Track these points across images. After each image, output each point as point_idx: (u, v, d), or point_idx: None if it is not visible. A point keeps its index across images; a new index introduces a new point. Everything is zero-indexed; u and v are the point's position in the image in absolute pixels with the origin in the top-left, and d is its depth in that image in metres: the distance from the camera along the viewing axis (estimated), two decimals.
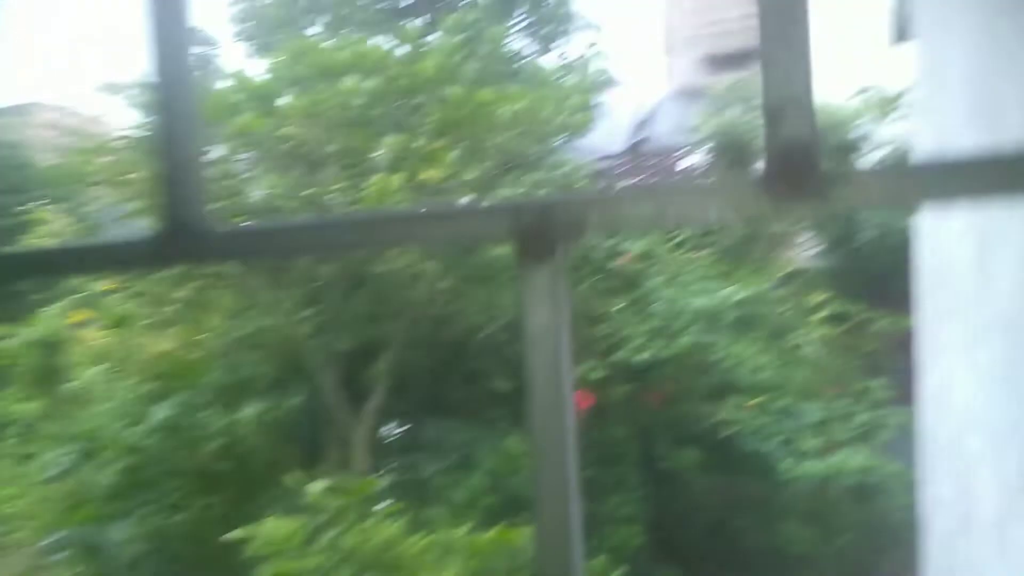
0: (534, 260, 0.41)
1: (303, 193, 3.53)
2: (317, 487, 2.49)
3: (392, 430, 4.62)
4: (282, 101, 3.55)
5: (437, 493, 3.70)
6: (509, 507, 3.64)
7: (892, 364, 5.94)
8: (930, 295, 2.59)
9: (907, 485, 3.59)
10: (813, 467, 3.63)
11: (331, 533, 2.43)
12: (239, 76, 3.71)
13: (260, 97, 3.67)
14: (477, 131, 3.80)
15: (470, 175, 3.53)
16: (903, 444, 3.88)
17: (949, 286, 2.35)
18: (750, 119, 7.80)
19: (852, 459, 3.69)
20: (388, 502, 2.60)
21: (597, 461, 4.27)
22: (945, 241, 2.32)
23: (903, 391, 4.39)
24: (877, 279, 6.83)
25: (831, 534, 4.91)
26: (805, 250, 8.33)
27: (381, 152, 3.51)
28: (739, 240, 7.85)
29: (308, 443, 4.26)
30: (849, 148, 7.27)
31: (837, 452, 3.74)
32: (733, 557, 5.44)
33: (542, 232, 0.41)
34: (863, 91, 7.36)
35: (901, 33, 2.90)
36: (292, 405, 3.56)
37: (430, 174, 3.44)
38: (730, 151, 7.95)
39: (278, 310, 3.57)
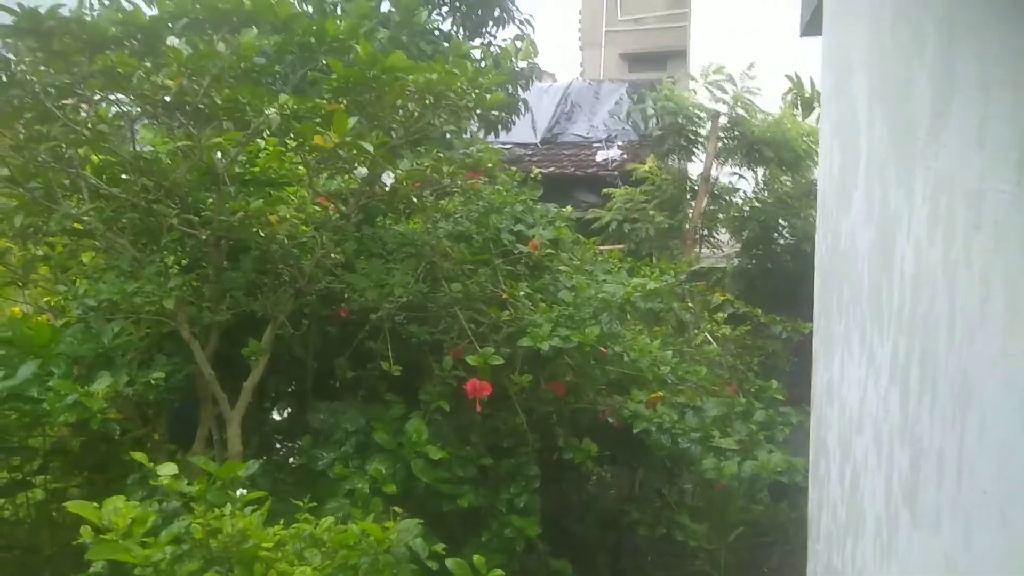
0: None
1: (180, 145, 3.20)
2: (168, 469, 2.22)
3: (274, 411, 4.35)
4: (172, 43, 3.20)
5: (334, 484, 3.47)
6: (402, 494, 3.46)
7: (791, 367, 6.12)
8: (827, 291, 2.55)
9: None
10: (732, 466, 3.60)
11: (181, 522, 2.17)
12: (120, 7, 3.33)
13: (143, 36, 3.31)
14: (381, 97, 3.57)
15: (368, 143, 3.29)
16: (799, 443, 3.92)
17: (847, 281, 2.30)
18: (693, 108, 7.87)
19: (771, 457, 3.69)
20: (246, 490, 2.35)
21: (495, 450, 4.15)
22: (845, 234, 2.27)
23: (801, 393, 4.46)
24: (788, 283, 7.02)
25: (725, 528, 4.98)
26: (721, 250, 8.48)
27: (273, 111, 3.22)
28: (651, 235, 7.92)
29: (178, 422, 3.94)
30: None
31: (755, 450, 3.73)
32: (627, 549, 5.47)
33: None
34: (788, 92, 7.52)
35: (811, 25, 2.87)
36: (157, 379, 3.24)
37: (324, 138, 3.18)
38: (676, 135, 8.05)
39: (147, 275, 3.24)
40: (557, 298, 4.26)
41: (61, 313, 3.84)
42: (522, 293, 4.19)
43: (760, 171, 7.97)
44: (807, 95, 7.44)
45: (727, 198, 8.16)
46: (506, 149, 9.74)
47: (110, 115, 3.44)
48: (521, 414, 4.08)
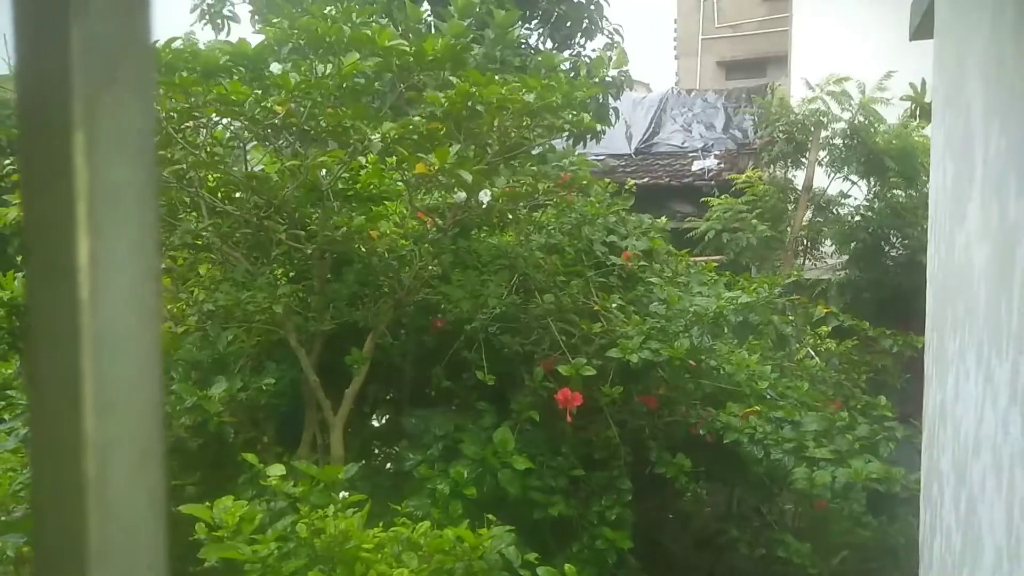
0: None
1: (288, 164, 3.39)
2: (276, 471, 2.35)
3: (373, 417, 4.50)
4: (275, 69, 3.40)
5: (418, 484, 3.57)
6: (493, 502, 3.51)
7: (902, 384, 5.80)
8: (940, 306, 2.42)
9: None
10: (826, 475, 3.47)
11: (286, 520, 2.29)
12: (227, 43, 3.57)
13: (250, 64, 3.53)
14: (478, 117, 3.66)
15: (467, 168, 3.38)
16: (907, 458, 3.72)
17: (961, 297, 2.19)
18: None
19: (867, 466, 3.54)
20: (347, 493, 2.46)
21: (586, 462, 4.14)
22: (959, 247, 2.16)
23: (912, 411, 4.23)
24: (899, 297, 6.67)
25: (829, 551, 4.76)
26: (824, 262, 8.16)
27: (376, 137, 3.36)
28: (752, 246, 7.70)
29: (285, 425, 4.14)
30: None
31: (850, 460, 3.59)
32: (723, 569, 5.31)
33: None
34: (908, 99, 7.17)
35: (921, 29, 2.74)
36: (268, 384, 3.42)
37: (422, 167, 3.29)
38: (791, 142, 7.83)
39: (258, 285, 3.44)
40: (649, 311, 4.23)
41: (181, 321, 4.12)
42: (614, 305, 4.17)
43: (873, 180, 7.61)
44: (927, 103, 7.07)
45: (835, 210, 7.83)
46: (599, 160, 9.72)
47: (224, 137, 3.68)
48: (613, 426, 4.06)
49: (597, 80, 5.87)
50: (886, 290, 7.22)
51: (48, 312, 0.27)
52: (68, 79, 0.25)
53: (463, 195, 3.67)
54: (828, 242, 7.98)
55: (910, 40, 3.01)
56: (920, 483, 3.01)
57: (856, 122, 7.38)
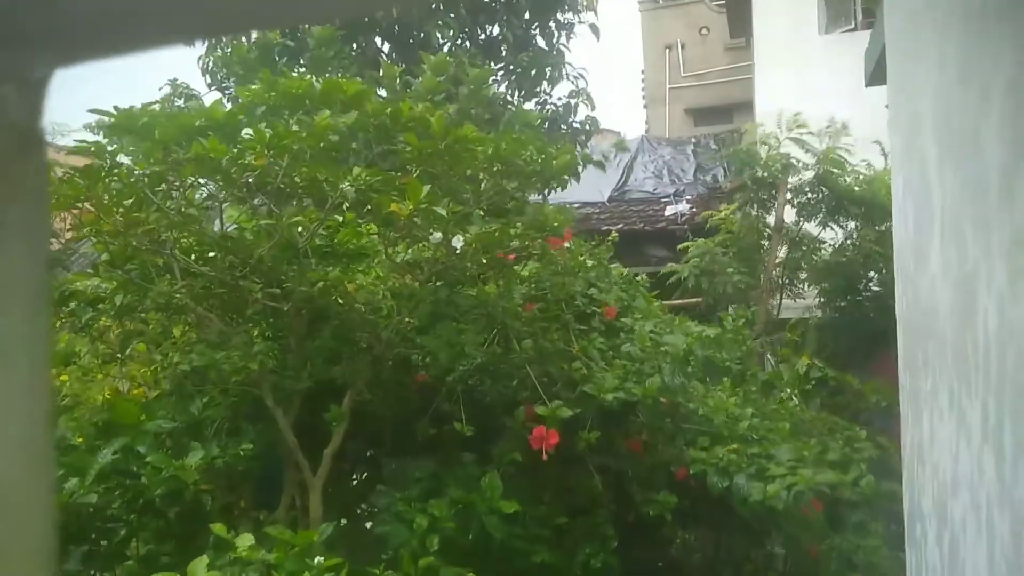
0: None
1: (263, 223, 3.39)
2: (245, 541, 2.29)
3: (352, 476, 4.42)
4: (249, 132, 3.44)
5: (395, 519, 3.49)
6: (475, 552, 3.44)
7: (877, 424, 5.83)
8: (911, 347, 2.46)
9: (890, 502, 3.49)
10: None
11: None
12: (202, 105, 3.61)
13: (225, 125, 3.56)
14: (453, 167, 3.71)
15: (441, 210, 3.41)
16: (890, 508, 3.72)
17: (930, 337, 2.22)
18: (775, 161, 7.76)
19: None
20: (323, 557, 2.40)
21: (570, 511, 4.09)
22: (924, 289, 2.20)
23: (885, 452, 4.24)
24: (876, 335, 6.74)
25: None
26: (803, 298, 8.24)
27: (347, 185, 3.39)
28: (728, 291, 7.76)
29: (263, 488, 4.05)
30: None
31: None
32: None
33: None
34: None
35: (875, 76, 2.85)
36: (246, 449, 3.36)
37: (399, 207, 3.32)
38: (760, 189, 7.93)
39: (233, 344, 3.41)
40: (625, 354, 4.24)
41: (155, 385, 4.06)
42: (596, 351, 4.18)
43: (844, 224, 7.77)
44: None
45: (807, 245, 7.95)
46: (573, 207, 9.83)
47: (198, 198, 3.68)
48: (596, 474, 4.03)
49: (565, 128, 6.00)
50: (862, 329, 7.30)
51: None
52: None
53: (439, 235, 3.68)
54: (804, 280, 8.08)
55: (866, 86, 3.12)
56: (904, 523, 3.01)
57: (821, 171, 7.55)
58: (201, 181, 3.54)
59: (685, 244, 8.38)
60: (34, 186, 0.26)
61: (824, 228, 7.87)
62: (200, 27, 0.30)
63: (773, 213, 8.02)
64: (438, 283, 4.08)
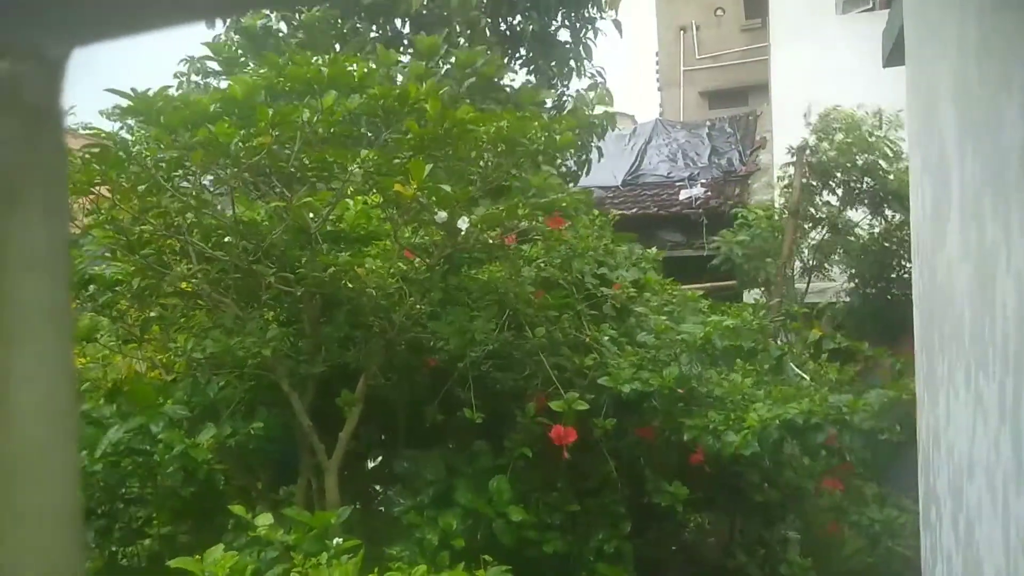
0: None
1: (274, 205, 3.40)
2: (264, 520, 2.32)
3: (368, 459, 4.45)
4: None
5: (406, 531, 3.52)
6: (487, 549, 3.46)
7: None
8: (927, 327, 2.43)
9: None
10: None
11: (278, 569, 2.25)
12: (217, 90, 3.61)
13: (239, 110, 3.57)
14: (455, 147, 3.69)
15: (446, 187, 3.40)
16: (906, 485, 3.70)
17: (947, 318, 2.20)
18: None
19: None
20: (341, 539, 2.42)
21: (583, 496, 4.11)
22: (942, 269, 2.17)
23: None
24: (905, 321, 6.64)
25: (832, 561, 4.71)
26: (833, 280, 8.18)
27: (355, 167, 3.39)
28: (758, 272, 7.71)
29: (280, 471, 4.09)
30: None
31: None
32: None
33: None
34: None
35: (893, 56, 2.80)
36: (256, 428, 3.39)
37: (401, 187, 3.31)
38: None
39: (248, 330, 3.43)
40: (638, 341, 4.23)
41: (171, 368, 4.10)
42: (607, 338, 4.17)
43: (889, 213, 7.67)
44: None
45: (843, 229, 7.85)
46: (587, 192, 9.79)
47: (208, 182, 3.70)
48: (609, 460, 4.03)
49: (582, 118, 5.95)
50: (889, 313, 7.24)
51: None
52: None
53: (444, 215, 3.67)
54: (836, 262, 8.00)
55: (884, 67, 3.07)
56: (919, 506, 3.00)
57: (868, 161, 7.41)
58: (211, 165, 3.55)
59: (723, 233, 8.21)
60: (53, 166, 0.27)
61: (871, 216, 7.76)
62: (216, 4, 0.30)
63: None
64: (446, 267, 4.08)
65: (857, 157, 7.43)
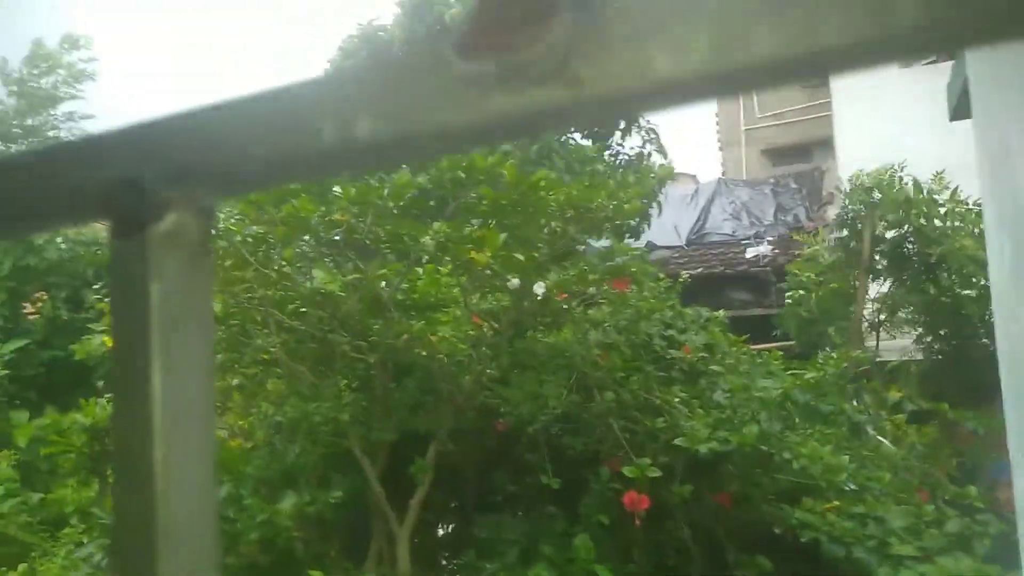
0: (123, 236, 0.33)
1: (350, 278, 3.55)
2: None
3: (438, 526, 4.44)
4: (337, 191, 3.64)
5: None
6: None
7: (996, 467, 5.44)
8: (1017, 385, 2.33)
9: None
10: (912, 575, 3.26)
11: None
12: None
13: (315, 187, 3.77)
14: (527, 218, 3.79)
15: (520, 256, 3.49)
16: (1006, 555, 3.47)
17: None
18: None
19: (958, 564, 3.31)
20: None
21: (659, 568, 3.98)
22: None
23: (1011, 496, 3.94)
24: (980, 378, 6.32)
25: None
26: (899, 339, 7.88)
27: (428, 239, 3.51)
28: (810, 328, 7.50)
29: (352, 537, 4.13)
30: None
31: (937, 558, 3.37)
32: None
33: (133, 206, 0.33)
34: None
35: (959, 109, 2.77)
36: (336, 497, 3.45)
37: (476, 256, 3.41)
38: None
39: (323, 396, 3.53)
40: (713, 401, 4.15)
41: (250, 436, 4.23)
42: (677, 400, 4.11)
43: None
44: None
45: (907, 282, 7.58)
46: (650, 252, 9.80)
47: (292, 257, 3.89)
48: (685, 528, 3.92)
49: (647, 186, 6.03)
50: (968, 371, 6.89)
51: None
52: (147, 324, 0.32)
53: (516, 282, 3.74)
54: (904, 320, 7.70)
55: (950, 120, 3.04)
56: None
57: (909, 224, 7.20)
58: (292, 240, 3.74)
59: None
60: (205, 292, 0.34)
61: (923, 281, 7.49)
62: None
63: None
64: (513, 332, 4.13)
65: (890, 218, 7.22)
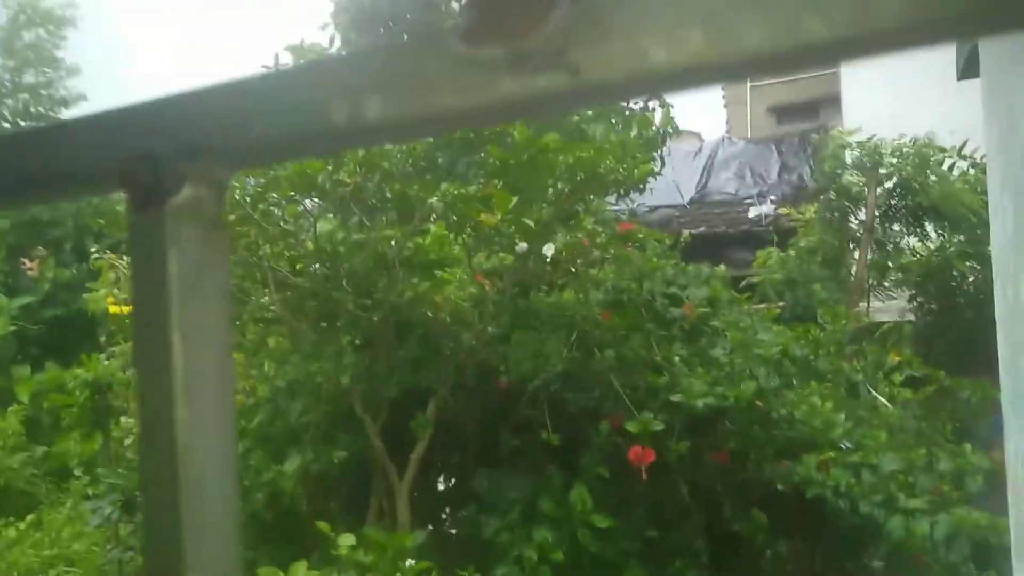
0: (140, 209, 0.35)
1: (355, 238, 3.55)
2: (346, 540, 2.41)
3: (438, 481, 4.53)
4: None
5: (502, 552, 3.55)
6: (579, 565, 3.47)
7: (992, 427, 5.51)
8: (1013, 350, 2.35)
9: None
10: (924, 525, 3.33)
11: None
12: None
13: None
14: (535, 178, 3.78)
15: (527, 220, 3.49)
16: (996, 497, 3.54)
17: None
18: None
19: (976, 516, 3.38)
20: (413, 561, 2.49)
21: (659, 523, 4.06)
22: None
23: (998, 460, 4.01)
24: (977, 336, 6.36)
25: None
26: (893, 299, 7.92)
27: (435, 199, 3.51)
28: (812, 293, 7.52)
29: (354, 494, 4.20)
30: None
31: (950, 508, 3.43)
32: None
33: (150, 179, 0.34)
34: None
35: (967, 69, 2.74)
36: (339, 456, 3.51)
37: (486, 217, 3.42)
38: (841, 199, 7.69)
39: (324, 355, 3.57)
40: (713, 359, 4.18)
41: (252, 393, 4.28)
42: (677, 357, 4.15)
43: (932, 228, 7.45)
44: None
45: (895, 243, 7.64)
46: (654, 211, 9.76)
47: (296, 213, 3.89)
48: (683, 485, 3.99)
49: (651, 141, 5.98)
50: (960, 331, 6.93)
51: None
52: (167, 293, 0.34)
53: (524, 245, 3.75)
54: (893, 282, 7.75)
55: (958, 80, 3.01)
56: (1011, 536, 2.87)
57: (904, 176, 7.26)
58: (298, 196, 3.73)
59: (762, 254, 8.15)
60: (222, 260, 0.36)
61: (908, 236, 7.55)
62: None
63: (856, 215, 7.73)
64: (516, 290, 4.15)
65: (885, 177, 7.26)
